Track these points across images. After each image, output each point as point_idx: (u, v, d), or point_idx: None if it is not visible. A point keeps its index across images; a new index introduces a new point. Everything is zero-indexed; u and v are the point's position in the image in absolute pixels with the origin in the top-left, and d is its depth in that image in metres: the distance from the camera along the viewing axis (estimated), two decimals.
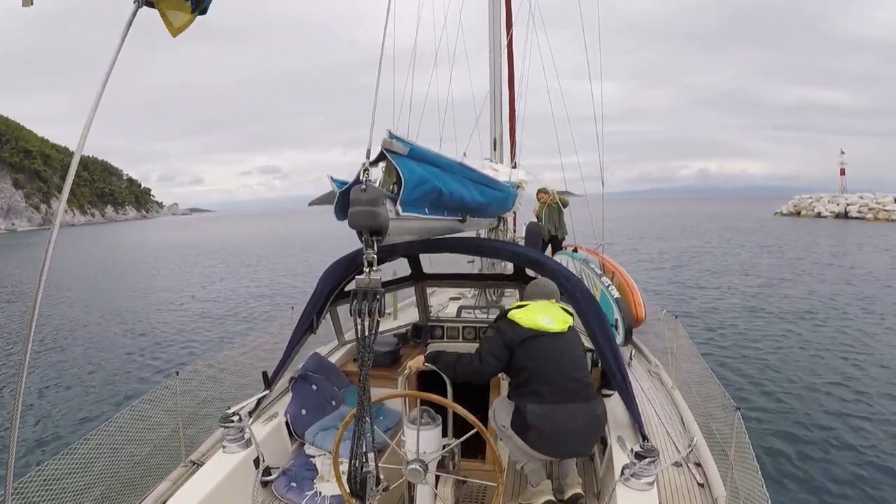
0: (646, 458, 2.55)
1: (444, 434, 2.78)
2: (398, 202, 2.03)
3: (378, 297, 1.74)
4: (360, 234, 1.76)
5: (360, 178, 1.72)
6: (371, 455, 2.08)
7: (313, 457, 3.42)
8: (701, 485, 2.96)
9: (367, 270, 1.74)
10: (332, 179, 2.32)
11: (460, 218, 2.92)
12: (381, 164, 2.04)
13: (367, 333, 1.76)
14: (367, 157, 1.73)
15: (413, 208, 2.19)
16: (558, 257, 6.79)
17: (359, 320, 1.75)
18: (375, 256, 1.76)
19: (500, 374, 4.25)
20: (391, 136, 2.06)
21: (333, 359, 4.36)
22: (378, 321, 1.77)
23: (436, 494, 2.72)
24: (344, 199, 2.12)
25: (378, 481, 2.15)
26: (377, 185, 1.92)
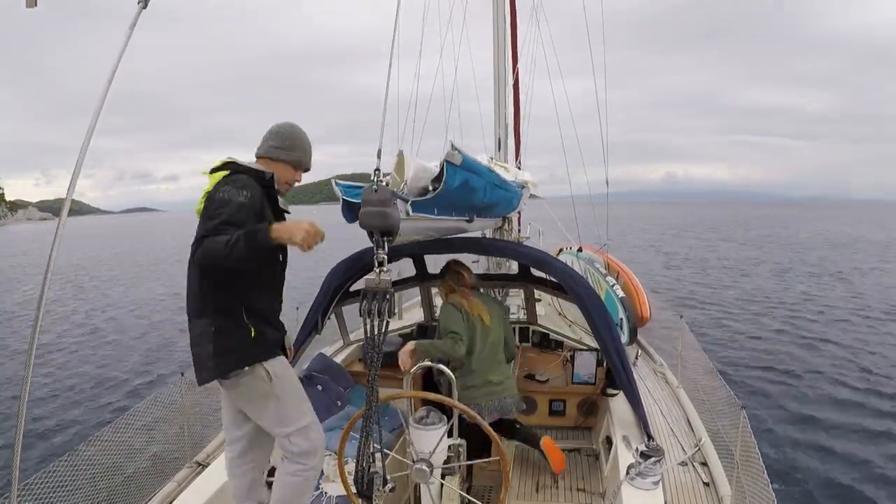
0: (651, 457, 2.55)
1: (450, 434, 2.77)
2: (408, 202, 2.05)
3: (388, 296, 1.73)
4: (370, 235, 1.76)
5: (372, 178, 1.72)
6: (378, 455, 2.08)
7: None
8: (706, 484, 2.95)
9: (378, 271, 1.73)
10: (336, 183, 2.34)
11: (468, 218, 2.92)
12: (393, 162, 2.07)
13: (376, 333, 1.75)
14: (378, 157, 1.72)
15: (423, 209, 2.21)
16: (563, 257, 6.78)
17: (368, 320, 1.75)
18: (386, 257, 1.76)
19: None
20: (453, 147, 2.20)
21: (339, 359, 4.36)
22: (388, 321, 1.77)
23: (441, 495, 2.71)
24: (349, 203, 2.15)
25: (385, 482, 2.15)
26: (385, 184, 1.92)
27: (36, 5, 1.35)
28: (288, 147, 2.29)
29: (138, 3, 1.50)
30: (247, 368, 2.18)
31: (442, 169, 2.21)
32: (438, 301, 6.05)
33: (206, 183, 2.12)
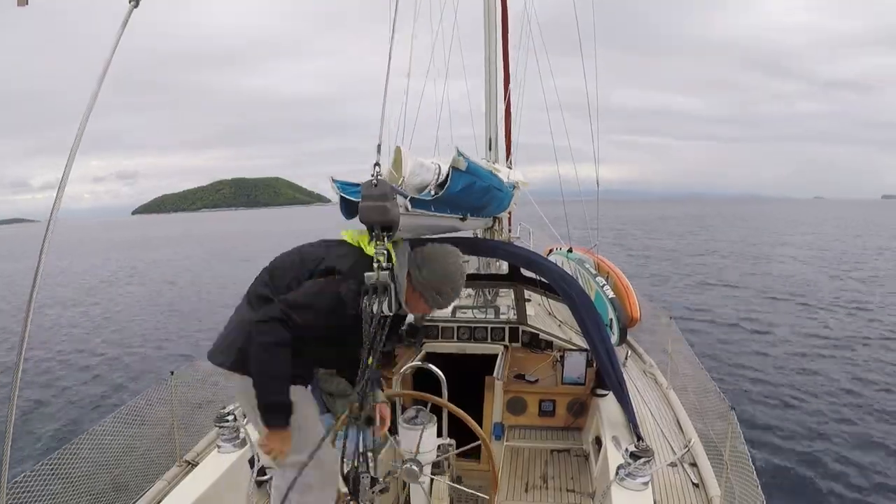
0: (641, 457, 2.56)
1: (439, 434, 2.78)
2: (407, 198, 2.06)
3: (388, 291, 1.73)
4: (370, 230, 1.76)
5: (372, 173, 1.73)
6: (369, 455, 2.08)
7: None
8: (696, 485, 2.97)
9: (377, 265, 1.73)
10: (334, 180, 2.35)
11: (461, 217, 2.93)
12: (389, 159, 2.08)
13: (377, 329, 1.75)
14: (378, 151, 1.73)
15: (421, 205, 2.23)
16: (553, 257, 6.79)
17: (368, 315, 1.74)
18: (385, 252, 1.76)
19: (494, 374, 4.26)
20: (459, 153, 2.24)
21: None
22: (388, 316, 1.76)
23: (430, 494, 2.72)
24: (346, 200, 2.17)
25: (374, 482, 2.15)
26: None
27: (27, 3, 1.34)
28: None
29: (129, 1, 1.50)
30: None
31: (448, 174, 2.26)
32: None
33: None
